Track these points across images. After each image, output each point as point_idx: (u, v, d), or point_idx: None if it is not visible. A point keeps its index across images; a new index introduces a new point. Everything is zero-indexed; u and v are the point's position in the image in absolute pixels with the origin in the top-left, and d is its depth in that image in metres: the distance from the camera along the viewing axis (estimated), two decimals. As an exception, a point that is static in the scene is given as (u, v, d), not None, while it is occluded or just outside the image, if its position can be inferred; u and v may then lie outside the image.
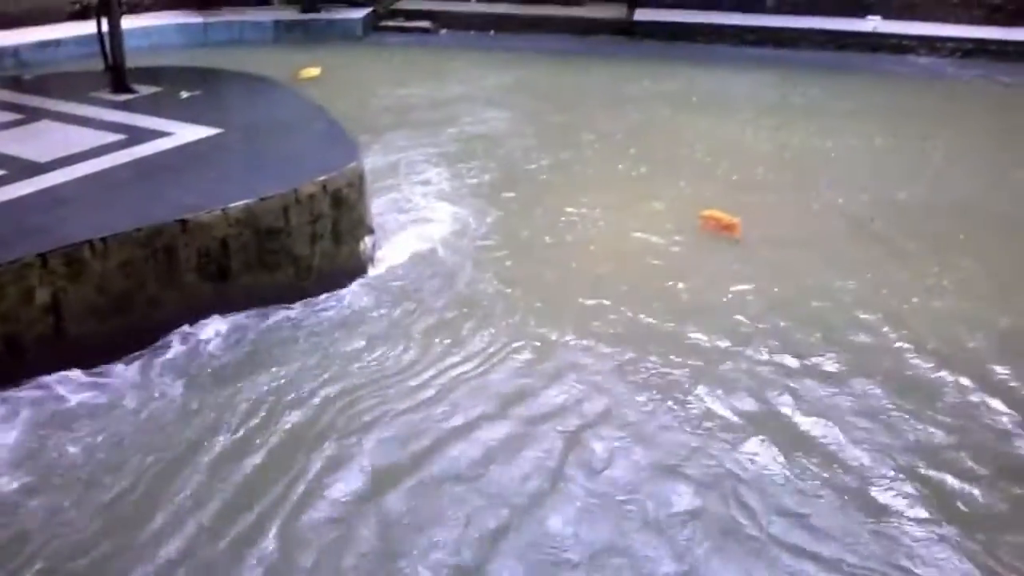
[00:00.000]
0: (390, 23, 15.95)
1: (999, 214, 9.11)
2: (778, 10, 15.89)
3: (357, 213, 6.58)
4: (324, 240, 6.18)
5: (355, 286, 6.52)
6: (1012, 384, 5.76)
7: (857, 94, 13.30)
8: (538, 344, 5.90)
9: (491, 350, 5.78)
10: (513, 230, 8.19)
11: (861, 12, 15.75)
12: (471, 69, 13.73)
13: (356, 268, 6.66)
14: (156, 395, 4.98)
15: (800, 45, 15.23)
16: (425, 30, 15.79)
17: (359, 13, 15.47)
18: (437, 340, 5.90)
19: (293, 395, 5.12)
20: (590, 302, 6.66)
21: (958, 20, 15.54)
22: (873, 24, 15.44)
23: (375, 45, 15.27)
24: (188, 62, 10.98)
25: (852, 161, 10.51)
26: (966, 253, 8.14)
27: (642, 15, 15.60)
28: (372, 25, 15.64)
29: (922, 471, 4.67)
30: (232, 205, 5.47)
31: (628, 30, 15.46)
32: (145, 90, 8.21)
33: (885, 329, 6.50)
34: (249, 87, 8.91)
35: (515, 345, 5.87)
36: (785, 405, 5.28)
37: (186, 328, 5.48)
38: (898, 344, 6.33)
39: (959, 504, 4.44)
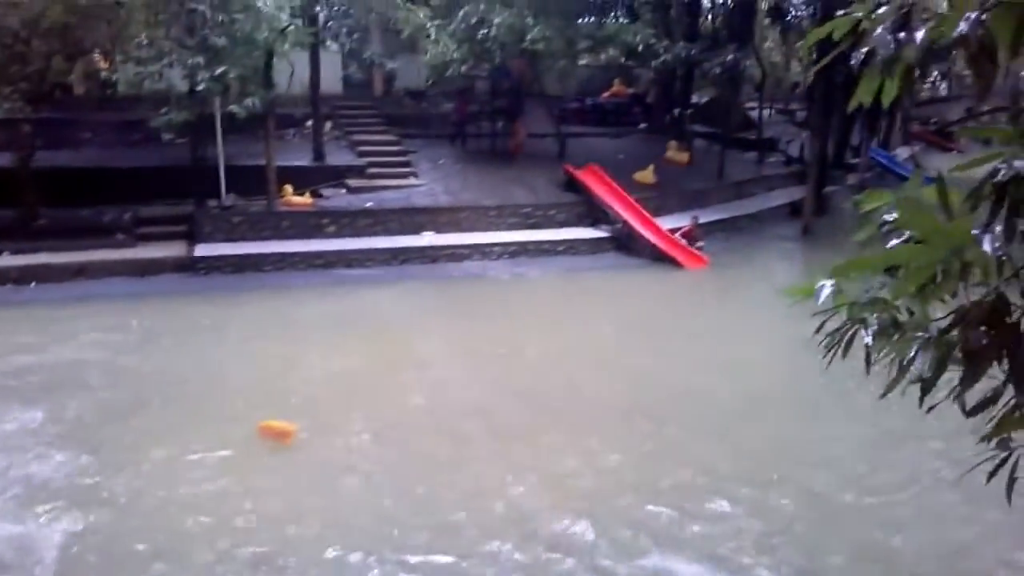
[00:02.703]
0: None
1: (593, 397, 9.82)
2: (340, 234, 16.49)
3: None
4: None
5: None
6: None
7: (420, 301, 13.98)
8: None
9: None
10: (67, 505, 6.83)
11: (416, 229, 17.00)
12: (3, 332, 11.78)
13: None
14: None
15: (367, 264, 15.84)
16: (-59, 291, 13.52)
17: None
18: None
19: None
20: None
21: (498, 228, 17.50)
22: (428, 239, 16.70)
23: None
24: None
25: (412, 369, 10.57)
26: (561, 438, 8.52)
27: (204, 250, 15.09)
28: None
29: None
30: None
31: (191, 266, 14.79)
32: None
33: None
34: None
35: None
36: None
37: None
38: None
39: None
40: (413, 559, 6.03)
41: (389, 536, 6.34)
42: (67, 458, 7.59)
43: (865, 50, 2.50)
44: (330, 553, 6.12)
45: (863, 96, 2.73)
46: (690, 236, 17.28)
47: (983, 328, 2.40)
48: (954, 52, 2.40)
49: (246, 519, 6.64)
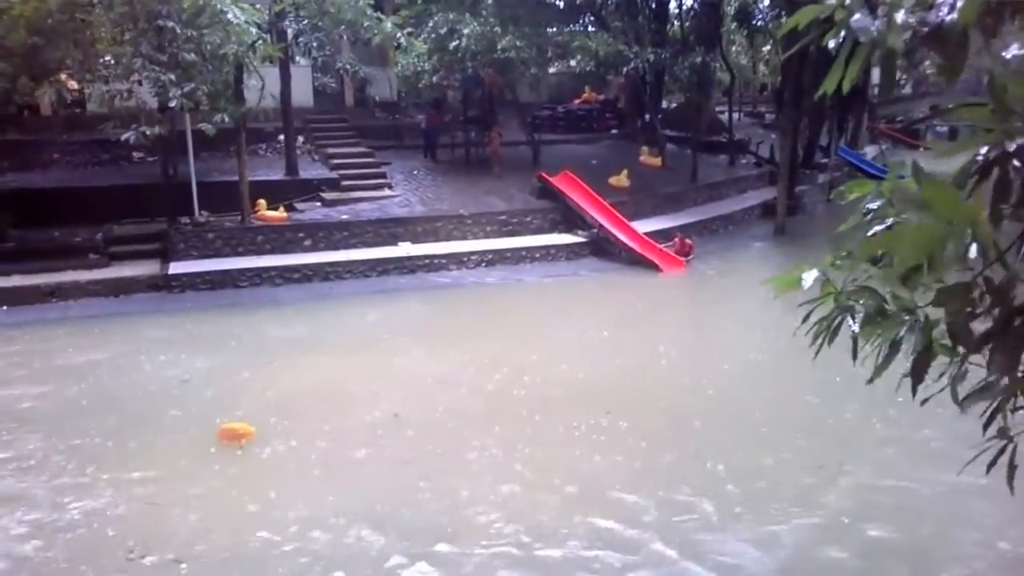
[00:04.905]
0: None
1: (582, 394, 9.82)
2: (316, 248, 16.38)
3: None
4: None
5: None
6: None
7: (398, 312, 13.88)
8: None
9: None
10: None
11: (393, 240, 16.93)
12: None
13: None
14: None
15: (344, 276, 15.74)
16: (-90, 317, 13.25)
17: None
18: None
19: None
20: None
21: (475, 236, 17.50)
22: (405, 250, 16.63)
23: None
24: None
25: (387, 378, 10.45)
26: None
27: (179, 267, 14.93)
28: None
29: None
30: None
31: (165, 285, 14.62)
32: None
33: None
34: None
35: None
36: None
37: None
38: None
39: None
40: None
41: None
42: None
43: (843, 37, 2.51)
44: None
45: (830, 85, 2.74)
46: (682, 251, 17.13)
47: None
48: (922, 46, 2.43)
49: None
